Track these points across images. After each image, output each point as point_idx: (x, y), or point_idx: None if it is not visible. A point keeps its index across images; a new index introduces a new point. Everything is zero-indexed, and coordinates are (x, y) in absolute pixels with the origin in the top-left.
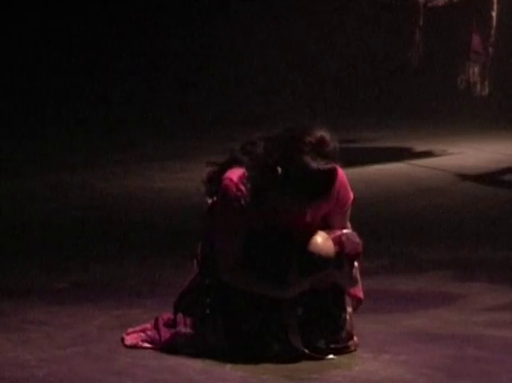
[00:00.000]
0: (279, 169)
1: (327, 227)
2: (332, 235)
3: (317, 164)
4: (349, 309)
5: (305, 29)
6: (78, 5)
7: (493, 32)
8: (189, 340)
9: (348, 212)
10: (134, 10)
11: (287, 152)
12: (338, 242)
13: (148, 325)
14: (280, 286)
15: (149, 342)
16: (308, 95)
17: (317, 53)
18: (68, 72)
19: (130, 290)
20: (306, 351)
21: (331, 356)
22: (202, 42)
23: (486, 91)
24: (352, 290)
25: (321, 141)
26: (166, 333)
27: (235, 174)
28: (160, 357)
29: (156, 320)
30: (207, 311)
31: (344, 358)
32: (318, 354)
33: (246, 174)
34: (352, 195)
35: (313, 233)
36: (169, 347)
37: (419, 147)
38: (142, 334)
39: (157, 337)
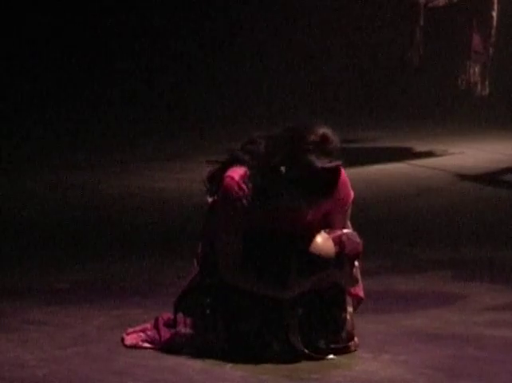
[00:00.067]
0: (282, 169)
1: (327, 226)
2: (333, 235)
3: (321, 163)
4: (350, 309)
5: (305, 29)
6: (78, 5)
7: (493, 32)
8: (189, 340)
9: (349, 211)
10: (134, 10)
11: (291, 152)
12: (338, 242)
13: (148, 325)
14: (280, 285)
15: (149, 342)
16: (308, 95)
17: (317, 53)
18: (68, 72)
19: (130, 290)
20: (306, 351)
21: (331, 356)
22: (203, 42)
23: (487, 91)
24: (352, 289)
25: (324, 139)
26: (166, 333)
27: (237, 173)
28: (160, 357)
29: (156, 320)
30: (207, 311)
31: (344, 358)
32: (318, 354)
33: (248, 173)
34: (352, 194)
35: (313, 233)
36: (169, 347)
37: (419, 147)
38: (142, 334)
39: (157, 337)
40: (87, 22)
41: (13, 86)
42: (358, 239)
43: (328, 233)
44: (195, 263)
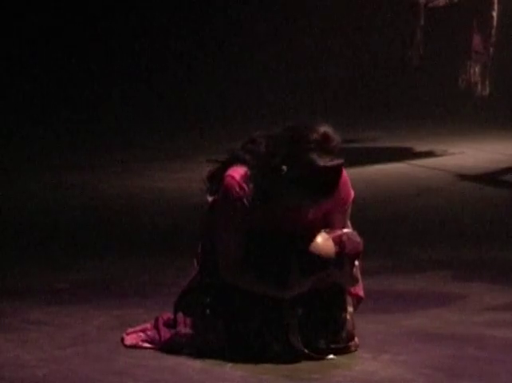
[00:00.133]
0: (284, 168)
1: (327, 225)
2: (333, 235)
3: (323, 161)
4: (350, 309)
5: (305, 29)
6: (78, 5)
7: (494, 32)
8: (189, 340)
9: (349, 211)
10: (134, 10)
11: (292, 151)
12: (339, 241)
13: (148, 325)
14: (280, 285)
15: (149, 342)
16: (308, 95)
17: (317, 53)
18: (68, 72)
19: (130, 290)
20: (306, 351)
21: (331, 356)
22: (203, 42)
23: (487, 91)
24: (352, 289)
25: (325, 137)
26: (166, 333)
27: (237, 172)
28: (160, 357)
29: (156, 320)
30: (207, 311)
31: (344, 358)
32: (318, 354)
33: (249, 173)
34: (352, 193)
35: (314, 232)
36: (169, 347)
37: (419, 147)
38: (142, 334)
39: (157, 337)
40: (87, 22)
41: (13, 86)
42: (358, 239)
43: (329, 233)
44: (195, 263)
